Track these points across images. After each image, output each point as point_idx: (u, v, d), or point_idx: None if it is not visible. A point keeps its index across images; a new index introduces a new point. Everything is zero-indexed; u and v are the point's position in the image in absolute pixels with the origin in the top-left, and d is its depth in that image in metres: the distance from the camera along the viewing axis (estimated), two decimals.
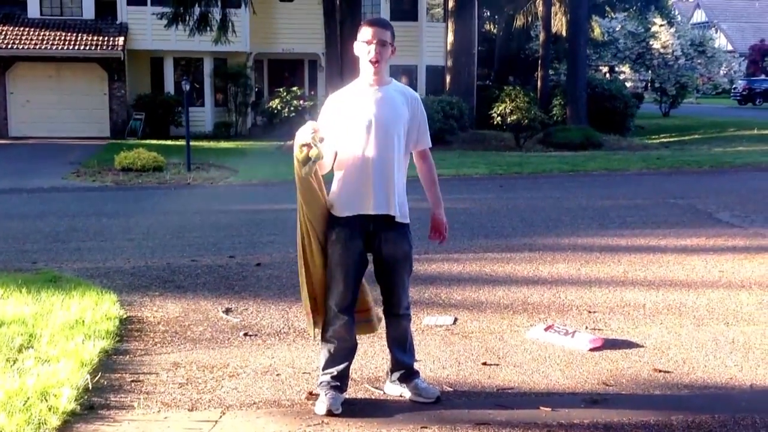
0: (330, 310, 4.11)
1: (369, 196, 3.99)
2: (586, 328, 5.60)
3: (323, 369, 4.19)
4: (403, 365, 4.28)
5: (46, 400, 4.09)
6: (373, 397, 4.33)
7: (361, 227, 4.03)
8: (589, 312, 6.02)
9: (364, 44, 3.98)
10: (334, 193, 4.08)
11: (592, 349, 5.08)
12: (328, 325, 4.14)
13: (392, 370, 4.33)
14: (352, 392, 4.34)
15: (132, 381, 4.56)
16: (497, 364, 4.87)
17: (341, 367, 4.15)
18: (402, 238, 4.12)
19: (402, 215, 4.09)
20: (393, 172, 4.01)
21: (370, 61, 3.96)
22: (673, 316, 5.91)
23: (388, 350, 4.36)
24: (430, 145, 4.25)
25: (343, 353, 4.16)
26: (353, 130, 3.99)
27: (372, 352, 4.97)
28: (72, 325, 5.42)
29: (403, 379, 4.28)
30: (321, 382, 4.18)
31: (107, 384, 4.49)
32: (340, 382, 4.16)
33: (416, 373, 4.32)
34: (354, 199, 4.01)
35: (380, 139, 3.98)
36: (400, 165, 4.08)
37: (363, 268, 4.13)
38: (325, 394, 4.10)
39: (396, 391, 4.31)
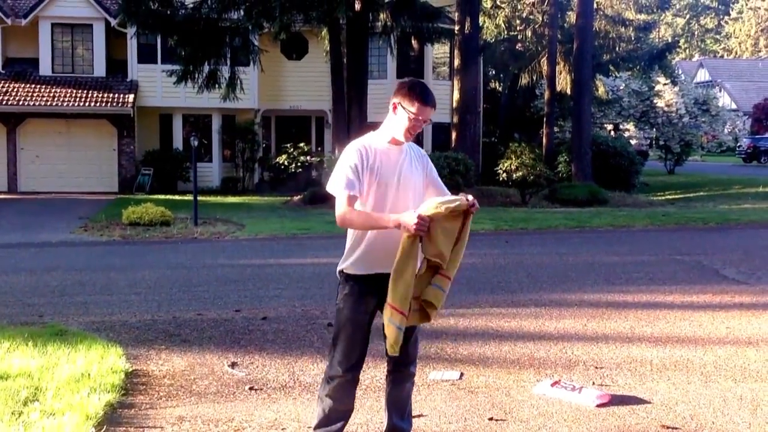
0: (333, 368, 3.99)
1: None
2: (593, 383, 5.57)
3: (316, 427, 4.06)
4: (400, 431, 4.15)
5: None
6: None
7: (378, 284, 3.89)
8: (596, 368, 6.00)
9: (411, 113, 3.85)
10: (354, 249, 3.95)
11: (599, 405, 5.05)
12: (328, 382, 4.01)
13: None
14: None
15: None
16: (504, 420, 4.84)
17: (335, 427, 4.03)
18: None
19: None
20: None
21: (409, 133, 3.91)
22: (680, 372, 5.88)
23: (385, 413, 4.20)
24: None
25: (339, 414, 4.03)
26: (383, 188, 3.89)
27: (378, 407, 4.94)
28: (78, 378, 5.42)
29: None
30: None
31: None
32: None
33: None
34: (379, 258, 3.88)
35: (410, 198, 3.92)
36: None
37: (371, 325, 4.05)
38: None
39: None
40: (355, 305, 3.94)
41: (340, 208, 3.84)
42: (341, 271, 4.01)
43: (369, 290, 3.95)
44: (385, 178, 3.90)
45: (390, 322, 3.76)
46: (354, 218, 3.83)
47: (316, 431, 4.06)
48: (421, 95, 3.88)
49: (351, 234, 3.99)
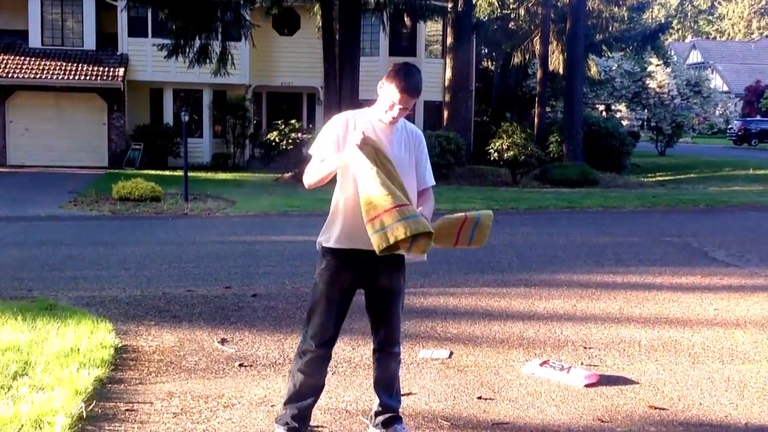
0: (306, 342, 4.00)
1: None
2: (582, 363, 5.60)
3: (286, 402, 4.07)
4: (389, 409, 4.16)
5: (40, 428, 4.08)
6: None
7: (356, 258, 3.91)
8: (585, 348, 6.02)
9: (390, 100, 3.81)
10: (332, 223, 3.96)
11: (587, 385, 5.08)
12: (301, 356, 4.01)
13: (377, 414, 4.20)
14: (347, 425, 4.34)
15: (126, 410, 4.55)
16: (492, 399, 4.86)
17: (305, 404, 4.03)
18: (399, 270, 4.03)
19: None
20: None
21: (391, 118, 3.85)
22: (668, 353, 5.91)
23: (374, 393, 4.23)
24: (433, 183, 4.11)
25: (310, 389, 4.03)
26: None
27: (368, 384, 4.94)
28: (67, 353, 5.41)
29: (386, 425, 4.15)
30: (280, 419, 4.07)
31: (101, 412, 4.48)
32: (299, 423, 4.03)
33: (399, 419, 4.19)
34: (357, 233, 3.80)
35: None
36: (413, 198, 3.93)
37: (349, 302, 4.03)
38: None
39: None
40: (331, 280, 3.94)
41: (307, 167, 3.92)
42: (320, 244, 4.03)
43: (346, 265, 3.94)
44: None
45: (402, 220, 3.53)
46: (310, 169, 3.88)
47: (287, 406, 4.06)
48: (404, 80, 3.79)
49: (331, 208, 3.99)
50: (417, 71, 3.89)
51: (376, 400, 4.20)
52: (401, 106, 3.82)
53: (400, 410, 4.25)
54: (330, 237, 3.97)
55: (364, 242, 3.77)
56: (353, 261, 3.92)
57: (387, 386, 4.15)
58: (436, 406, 4.71)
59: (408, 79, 3.80)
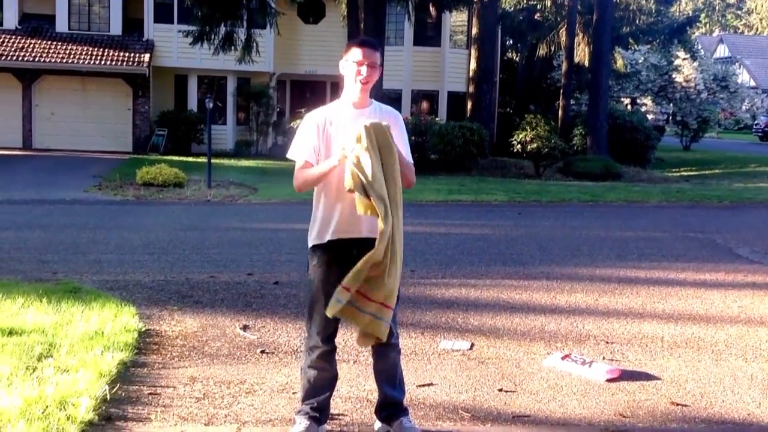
0: (311, 338, 4.00)
1: (359, 220, 3.83)
2: (604, 358, 5.58)
3: (303, 400, 4.05)
4: (393, 401, 4.08)
5: (65, 409, 4.12)
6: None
7: (344, 251, 3.88)
8: (607, 342, 6.00)
9: (353, 64, 3.85)
10: (315, 220, 3.98)
11: (609, 380, 5.06)
12: (309, 354, 4.01)
13: (380, 408, 4.13)
14: (368, 413, 4.35)
15: (149, 393, 4.59)
16: (513, 391, 4.86)
17: (322, 398, 4.02)
18: None
19: None
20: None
21: (361, 81, 3.86)
22: (691, 349, 5.87)
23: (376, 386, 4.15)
24: (410, 160, 4.01)
25: (324, 383, 4.02)
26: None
27: None
28: (91, 336, 5.47)
29: (390, 418, 4.07)
30: (299, 410, 4.06)
31: (125, 395, 4.53)
32: (320, 413, 4.02)
33: (405, 411, 4.10)
34: (343, 224, 3.89)
35: None
36: None
37: None
38: (300, 423, 3.98)
39: (383, 430, 4.12)
40: (325, 275, 3.95)
41: (295, 173, 3.93)
42: (310, 242, 4.04)
43: (335, 258, 3.93)
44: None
45: (379, 318, 3.76)
46: (305, 175, 3.88)
47: (305, 403, 4.04)
48: (358, 39, 3.98)
49: (314, 203, 4.01)
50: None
51: (379, 393, 4.12)
52: (367, 62, 3.85)
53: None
54: (315, 233, 4.00)
55: (345, 231, 3.88)
56: (343, 253, 3.89)
57: (389, 376, 4.08)
58: (456, 397, 4.71)
59: (361, 39, 3.98)
